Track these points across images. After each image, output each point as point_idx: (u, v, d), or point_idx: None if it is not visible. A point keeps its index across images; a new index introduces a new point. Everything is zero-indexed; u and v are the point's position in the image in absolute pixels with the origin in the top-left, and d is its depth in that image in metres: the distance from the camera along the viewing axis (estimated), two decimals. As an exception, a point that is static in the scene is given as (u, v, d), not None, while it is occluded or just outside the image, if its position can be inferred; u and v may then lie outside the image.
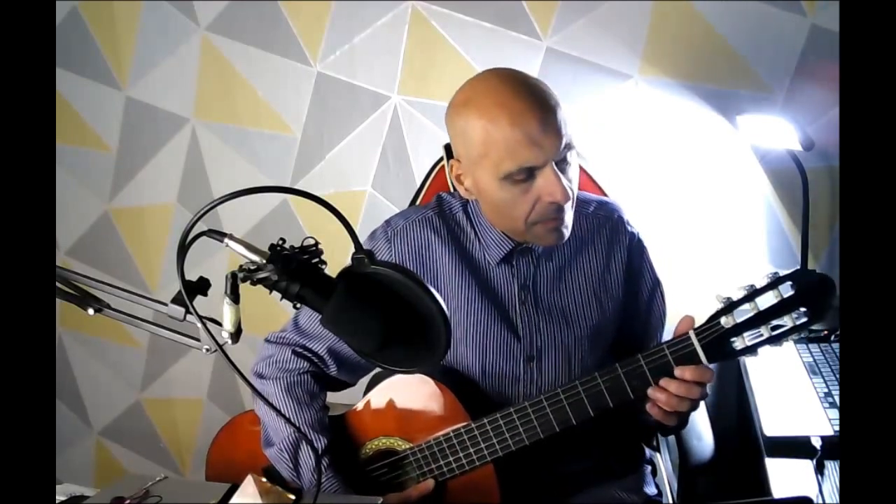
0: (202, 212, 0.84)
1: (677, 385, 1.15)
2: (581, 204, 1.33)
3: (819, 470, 1.23)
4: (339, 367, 1.35)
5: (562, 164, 1.18)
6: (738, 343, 1.12)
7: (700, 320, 1.16)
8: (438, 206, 1.35)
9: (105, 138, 2.35)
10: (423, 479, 1.28)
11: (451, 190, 1.50)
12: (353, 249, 0.87)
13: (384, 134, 2.13)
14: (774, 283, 1.10)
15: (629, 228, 1.36)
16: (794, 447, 1.28)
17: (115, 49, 2.27)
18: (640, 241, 1.37)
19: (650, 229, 1.38)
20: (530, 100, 1.15)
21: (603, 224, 1.34)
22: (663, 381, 1.16)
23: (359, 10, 2.07)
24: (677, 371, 1.15)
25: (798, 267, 1.85)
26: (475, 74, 1.24)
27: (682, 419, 1.26)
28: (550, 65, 1.97)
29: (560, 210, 1.20)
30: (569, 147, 1.18)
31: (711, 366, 1.15)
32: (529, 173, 1.17)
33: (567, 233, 1.23)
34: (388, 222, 1.35)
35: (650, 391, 1.17)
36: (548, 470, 1.31)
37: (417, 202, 1.63)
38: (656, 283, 1.38)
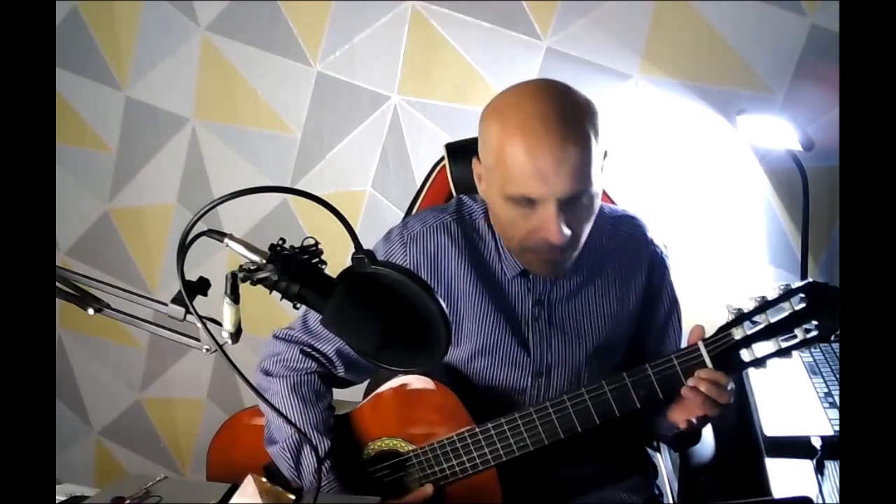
0: (202, 212, 0.84)
1: (707, 385, 1.13)
2: (603, 220, 1.29)
3: (819, 470, 1.23)
4: (347, 368, 1.34)
5: (573, 203, 1.13)
6: (747, 355, 1.12)
7: (698, 318, 1.16)
8: (458, 212, 1.31)
9: (105, 138, 2.35)
10: (425, 481, 1.28)
11: (454, 190, 1.50)
12: (353, 249, 0.87)
13: (384, 134, 2.13)
14: (786, 295, 1.09)
15: (652, 247, 1.32)
16: (794, 447, 1.28)
17: (115, 49, 2.27)
18: (662, 259, 1.33)
19: (654, 233, 1.37)
20: (557, 132, 1.09)
21: (626, 242, 1.30)
22: (692, 381, 1.14)
23: (359, 10, 2.08)
24: (698, 372, 1.13)
25: (798, 267, 1.85)
26: (525, 81, 1.19)
27: (698, 432, 1.25)
28: (550, 65, 1.97)
29: (553, 248, 1.15)
30: (585, 191, 1.12)
31: None
32: (532, 202, 1.13)
33: (563, 269, 1.21)
34: (405, 224, 1.32)
35: (683, 390, 1.15)
36: (550, 473, 1.31)
37: (418, 202, 1.62)
38: (674, 304, 1.35)
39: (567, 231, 1.13)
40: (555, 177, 1.09)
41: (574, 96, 1.15)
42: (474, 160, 1.22)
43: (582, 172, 1.11)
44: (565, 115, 1.11)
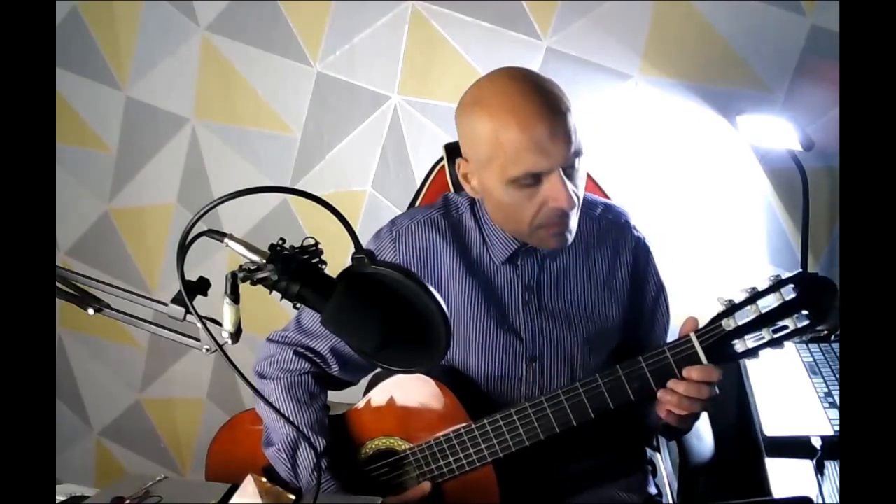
0: (202, 212, 0.84)
1: (686, 386, 1.14)
2: (588, 207, 1.33)
3: (819, 470, 1.23)
4: (341, 366, 1.35)
5: (569, 169, 1.16)
6: (740, 345, 1.12)
7: (700, 320, 1.16)
8: (444, 207, 1.34)
9: (105, 138, 2.35)
10: (423, 479, 1.28)
11: (453, 190, 1.50)
12: (353, 249, 0.87)
13: (384, 134, 2.13)
14: (776, 285, 1.09)
15: (635, 233, 1.35)
16: (794, 447, 1.28)
17: (115, 49, 2.27)
18: (646, 245, 1.35)
19: (650, 229, 1.38)
20: (540, 103, 1.13)
21: (609, 228, 1.33)
22: (671, 383, 1.15)
23: (359, 10, 2.08)
24: (684, 371, 1.14)
25: (798, 267, 1.85)
26: (486, 73, 1.22)
27: (689, 423, 1.26)
28: (550, 65, 1.97)
29: (565, 216, 1.18)
30: (577, 154, 1.16)
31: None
32: (536, 178, 1.15)
33: (571, 237, 1.22)
34: (393, 222, 1.35)
35: (660, 394, 1.16)
36: (547, 471, 1.31)
37: (417, 202, 1.63)
38: (660, 289, 1.37)
39: (575, 197, 1.17)
40: (553, 146, 1.13)
41: (538, 73, 1.20)
42: (458, 161, 1.24)
43: (574, 136, 1.15)
44: (542, 88, 1.16)
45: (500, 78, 1.19)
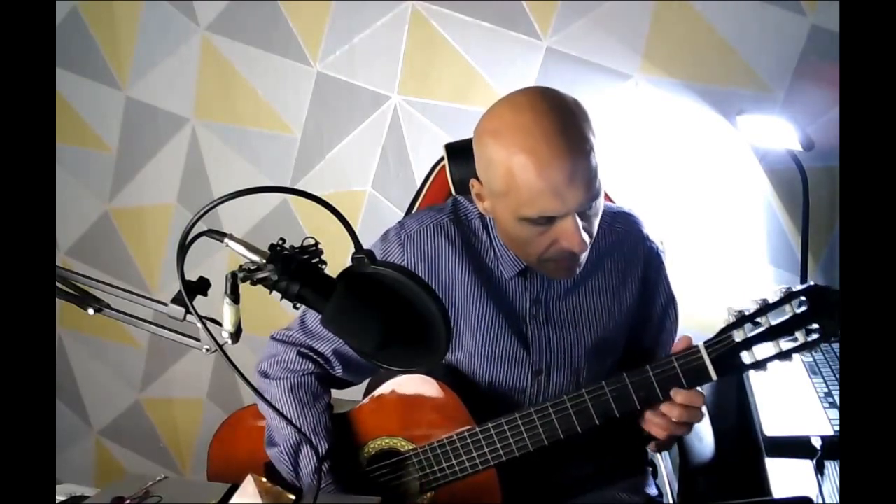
0: (202, 212, 0.84)
1: (679, 411, 1.15)
2: (600, 217, 1.29)
3: (819, 470, 1.23)
4: (344, 368, 1.35)
5: (586, 210, 1.14)
6: (748, 357, 1.11)
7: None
8: (454, 212, 1.31)
9: (105, 138, 2.36)
10: (424, 481, 1.28)
11: (454, 190, 1.50)
12: (353, 249, 0.87)
13: (384, 134, 2.14)
14: (787, 298, 1.09)
15: (648, 243, 1.32)
16: (794, 447, 1.28)
17: (115, 49, 2.27)
18: (658, 255, 1.33)
19: (650, 229, 1.37)
20: (562, 145, 1.08)
21: (622, 238, 1.31)
22: (664, 407, 1.16)
23: (359, 10, 2.08)
24: (671, 392, 1.15)
25: (798, 266, 1.85)
26: (510, 94, 1.16)
27: (671, 443, 1.27)
28: (550, 65, 1.97)
29: (575, 255, 1.17)
30: (595, 196, 1.13)
31: (704, 387, 1.16)
32: (549, 219, 1.13)
33: (579, 270, 1.21)
34: (401, 224, 1.32)
35: (648, 415, 1.17)
36: (550, 473, 1.31)
37: (418, 202, 1.62)
38: (670, 300, 1.36)
39: (587, 238, 1.14)
40: (570, 192, 1.10)
41: (566, 102, 1.13)
42: (472, 181, 1.22)
43: (594, 180, 1.12)
44: (566, 127, 1.10)
45: (524, 111, 1.11)
